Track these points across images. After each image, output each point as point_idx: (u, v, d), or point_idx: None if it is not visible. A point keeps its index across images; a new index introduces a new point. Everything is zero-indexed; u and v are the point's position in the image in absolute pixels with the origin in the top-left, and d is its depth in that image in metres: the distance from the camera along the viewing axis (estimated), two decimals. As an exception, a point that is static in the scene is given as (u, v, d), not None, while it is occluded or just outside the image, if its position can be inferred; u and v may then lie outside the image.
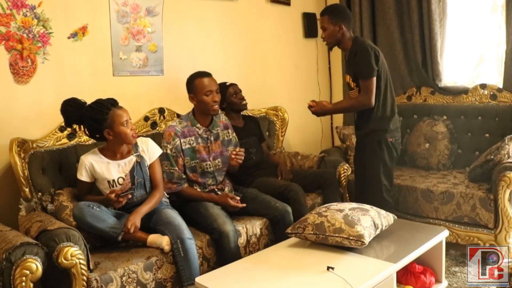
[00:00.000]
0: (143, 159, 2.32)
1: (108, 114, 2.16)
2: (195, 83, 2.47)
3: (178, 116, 2.88)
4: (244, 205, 2.48)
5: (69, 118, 2.23)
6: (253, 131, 3.08)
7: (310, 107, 2.65)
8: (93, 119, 2.16)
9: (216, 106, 2.50)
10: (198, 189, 2.55)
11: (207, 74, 2.50)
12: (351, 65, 2.58)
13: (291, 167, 3.22)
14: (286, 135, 3.56)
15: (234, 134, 2.75)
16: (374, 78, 2.49)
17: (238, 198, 2.50)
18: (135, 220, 2.13)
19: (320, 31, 2.76)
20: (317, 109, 2.64)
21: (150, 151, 2.35)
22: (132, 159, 2.29)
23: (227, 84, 3.00)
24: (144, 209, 2.21)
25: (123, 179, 2.25)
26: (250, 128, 3.08)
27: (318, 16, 3.98)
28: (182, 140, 2.46)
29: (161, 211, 2.28)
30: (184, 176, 2.49)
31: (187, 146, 2.48)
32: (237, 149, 2.54)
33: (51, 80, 2.52)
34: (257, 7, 3.56)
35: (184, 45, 3.09)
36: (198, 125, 2.53)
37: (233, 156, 2.50)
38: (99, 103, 2.19)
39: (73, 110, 2.20)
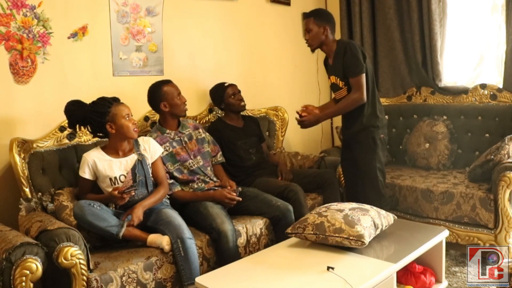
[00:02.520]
0: (145, 157, 2.34)
1: (110, 108, 2.23)
2: (164, 90, 2.59)
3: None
4: (240, 198, 2.51)
5: (73, 118, 2.27)
6: (253, 131, 3.09)
7: (301, 116, 2.64)
8: (95, 112, 2.22)
9: (186, 106, 2.66)
10: (196, 186, 2.59)
11: (169, 81, 2.65)
12: (338, 65, 2.60)
13: (291, 167, 3.22)
14: (286, 135, 3.56)
15: (207, 133, 2.82)
16: (364, 75, 2.54)
17: (234, 194, 2.52)
18: (138, 212, 2.16)
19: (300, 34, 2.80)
20: (310, 118, 2.63)
21: (152, 149, 2.38)
22: (133, 157, 2.31)
23: (226, 84, 3.01)
24: (148, 202, 2.24)
25: (125, 176, 2.27)
26: (250, 128, 3.08)
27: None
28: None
29: (161, 210, 2.28)
30: (171, 181, 2.53)
31: (165, 152, 2.55)
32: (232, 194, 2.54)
33: (51, 80, 2.52)
34: (257, 7, 3.56)
35: (184, 45, 3.09)
36: (168, 130, 2.64)
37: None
38: (101, 98, 2.27)
39: (76, 109, 2.26)
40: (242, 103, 3.01)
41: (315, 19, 2.63)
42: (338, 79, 2.64)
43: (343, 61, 2.56)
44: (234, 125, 3.02)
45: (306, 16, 2.71)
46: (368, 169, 2.64)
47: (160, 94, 2.59)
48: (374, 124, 2.63)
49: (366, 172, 2.66)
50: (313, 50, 2.74)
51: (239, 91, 3.03)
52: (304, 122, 2.64)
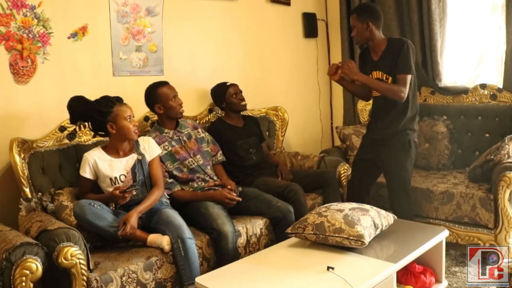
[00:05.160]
0: (144, 157, 2.35)
1: (112, 108, 2.23)
2: (159, 93, 2.58)
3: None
4: (240, 199, 2.51)
5: (75, 113, 2.28)
6: (253, 131, 3.09)
7: (336, 69, 2.58)
8: (98, 111, 2.23)
9: (183, 108, 2.65)
10: (196, 185, 2.58)
11: (166, 82, 2.63)
12: (388, 61, 2.54)
13: (291, 167, 3.22)
14: (286, 135, 3.56)
15: (206, 133, 2.82)
16: (410, 76, 2.52)
17: (234, 194, 2.52)
18: (131, 220, 2.11)
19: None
20: (351, 70, 2.51)
21: (151, 148, 2.39)
22: (133, 157, 2.32)
23: (227, 84, 3.01)
24: (142, 207, 2.21)
25: (125, 176, 2.27)
26: (250, 128, 3.08)
27: (318, 16, 4.01)
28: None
29: (162, 211, 2.28)
30: (170, 180, 2.53)
31: (164, 151, 2.55)
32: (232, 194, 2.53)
33: (51, 80, 2.52)
34: (257, 7, 3.56)
35: (184, 45, 3.09)
36: (166, 130, 2.64)
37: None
38: (105, 97, 2.27)
39: (79, 105, 2.26)
40: (243, 103, 3.02)
41: (358, 16, 2.58)
42: (385, 75, 2.58)
43: (398, 56, 2.51)
44: (234, 125, 3.02)
45: (351, 12, 2.67)
46: (401, 171, 2.63)
47: (155, 97, 2.59)
48: (412, 127, 2.63)
49: (398, 174, 2.64)
50: (360, 47, 2.70)
51: (241, 91, 3.03)
52: (349, 64, 2.53)
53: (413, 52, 2.54)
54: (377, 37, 2.61)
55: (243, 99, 3.02)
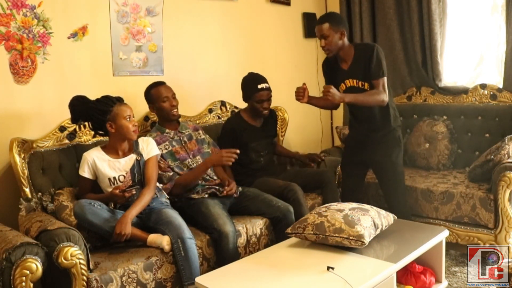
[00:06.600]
0: (143, 157, 2.35)
1: (112, 107, 2.25)
2: (152, 92, 2.61)
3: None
4: (237, 150, 2.46)
5: (76, 112, 2.29)
6: (270, 131, 3.04)
7: (304, 91, 2.58)
8: (98, 110, 2.24)
9: (175, 110, 2.62)
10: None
11: (162, 83, 2.64)
12: (360, 68, 2.53)
13: (292, 167, 3.22)
14: (286, 135, 3.56)
15: (207, 135, 2.81)
16: (386, 78, 2.53)
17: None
18: (122, 228, 2.07)
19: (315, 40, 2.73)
20: (335, 92, 2.42)
21: (149, 148, 2.39)
22: (132, 157, 2.32)
23: (259, 87, 2.85)
24: (134, 212, 2.16)
25: (124, 176, 2.28)
26: (267, 128, 3.02)
27: (318, 16, 3.99)
28: (157, 147, 2.48)
29: (161, 211, 2.28)
30: (172, 173, 2.53)
31: (164, 151, 2.57)
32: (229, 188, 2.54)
33: (51, 80, 2.52)
34: (257, 7, 3.56)
35: (184, 45, 3.09)
36: (167, 130, 2.65)
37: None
38: (106, 97, 2.29)
39: (80, 104, 2.27)
40: (265, 112, 2.89)
41: (332, 24, 2.50)
42: (361, 82, 2.56)
43: (371, 62, 2.48)
44: (252, 124, 2.94)
45: (320, 21, 2.56)
46: (395, 166, 2.66)
47: (149, 96, 2.62)
48: (399, 123, 2.71)
49: (394, 170, 2.67)
50: (331, 56, 2.61)
51: (269, 98, 2.89)
52: (330, 91, 2.39)
53: (383, 55, 2.53)
54: (346, 45, 2.58)
55: (267, 108, 2.89)
